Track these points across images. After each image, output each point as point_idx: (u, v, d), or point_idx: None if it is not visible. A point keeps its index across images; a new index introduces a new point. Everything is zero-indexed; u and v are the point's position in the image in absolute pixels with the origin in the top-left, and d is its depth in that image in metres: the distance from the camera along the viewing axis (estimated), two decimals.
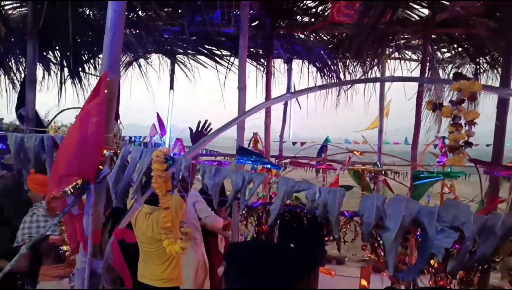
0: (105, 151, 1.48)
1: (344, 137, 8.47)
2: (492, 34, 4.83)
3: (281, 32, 5.82)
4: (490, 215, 1.27)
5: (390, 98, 7.93)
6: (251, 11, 5.29)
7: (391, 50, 6.84)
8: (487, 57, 5.68)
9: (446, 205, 1.30)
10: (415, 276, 1.34)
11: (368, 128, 7.42)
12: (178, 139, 7.85)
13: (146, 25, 5.34)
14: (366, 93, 7.24)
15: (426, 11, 5.28)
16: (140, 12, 5.40)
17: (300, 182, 1.39)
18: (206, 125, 2.87)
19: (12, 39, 5.09)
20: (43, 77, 7.02)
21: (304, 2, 4.93)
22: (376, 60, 6.91)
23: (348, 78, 6.84)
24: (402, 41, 6.36)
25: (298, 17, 5.31)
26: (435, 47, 6.49)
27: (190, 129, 2.94)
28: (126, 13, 4.89)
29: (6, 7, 4.94)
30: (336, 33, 5.95)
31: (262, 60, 6.74)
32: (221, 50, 6.71)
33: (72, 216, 1.53)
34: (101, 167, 1.48)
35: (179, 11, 5.23)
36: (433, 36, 5.94)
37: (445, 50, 6.59)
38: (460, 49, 5.90)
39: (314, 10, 5.06)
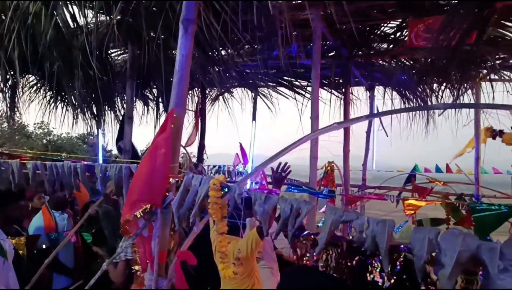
0: (170, 179, 1.65)
1: (436, 165, 7.84)
2: None
3: (360, 60, 5.78)
4: None
5: (488, 123, 7.18)
6: (327, 42, 5.37)
7: (486, 71, 6.32)
8: None
9: (510, 241, 1.18)
10: None
11: (460, 153, 6.64)
12: None
13: (228, 62, 5.75)
14: (459, 118, 6.70)
15: None
16: (222, 52, 5.86)
17: (348, 212, 1.38)
18: (286, 167, 3.08)
19: (118, 81, 5.87)
20: (143, 112, 7.88)
21: (381, 29, 4.85)
22: (469, 83, 6.41)
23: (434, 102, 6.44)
24: (498, 61, 5.84)
25: (375, 44, 5.23)
26: None
27: (272, 169, 3.15)
28: (210, 52, 5.34)
29: (113, 54, 5.74)
30: (421, 58, 5.70)
31: (342, 88, 6.72)
32: (300, 81, 6.86)
33: (143, 238, 1.72)
34: (167, 193, 1.65)
35: (257, 47, 5.53)
36: None
37: None
38: None
39: (392, 36, 4.95)
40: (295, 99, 7.32)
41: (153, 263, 1.64)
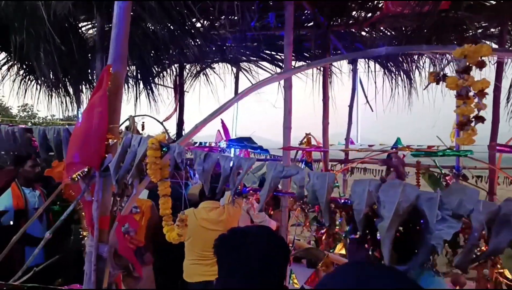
0: (109, 140, 1.56)
1: (422, 138, 7.85)
2: None
3: (341, 30, 5.65)
4: (505, 201, 1.06)
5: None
6: (306, 11, 5.22)
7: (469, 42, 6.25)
8: None
9: (450, 190, 1.12)
10: (416, 269, 1.17)
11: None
12: None
13: (205, 35, 5.59)
14: (443, 89, 6.66)
15: None
16: (198, 24, 5.68)
17: (289, 167, 1.31)
18: None
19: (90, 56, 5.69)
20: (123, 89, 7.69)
21: None
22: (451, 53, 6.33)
23: (417, 75, 6.39)
24: (479, 30, 5.74)
25: (354, 13, 5.09)
26: None
27: None
28: (185, 25, 5.15)
29: (83, 28, 5.53)
30: (400, 26, 5.58)
31: None
32: (281, 55, 6.72)
33: (87, 203, 1.64)
34: (106, 155, 1.56)
35: (235, 18, 5.36)
36: None
37: None
38: None
39: (370, 3, 4.81)
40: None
41: (93, 229, 1.56)
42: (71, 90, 6.46)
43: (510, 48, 5.49)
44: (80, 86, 6.60)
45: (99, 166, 1.56)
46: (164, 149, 1.44)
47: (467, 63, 1.15)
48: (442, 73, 1.21)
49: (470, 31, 5.76)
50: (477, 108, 1.15)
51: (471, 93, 1.15)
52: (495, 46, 6.26)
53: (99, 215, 1.58)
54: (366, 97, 7.21)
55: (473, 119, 1.15)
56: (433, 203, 1.12)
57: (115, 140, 1.57)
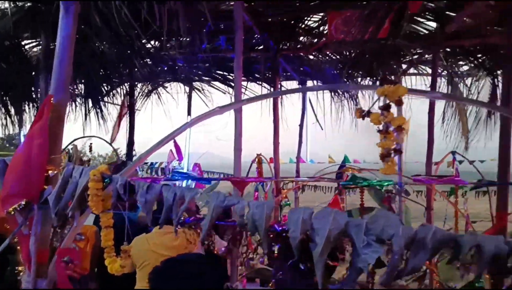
0: (49, 171, 1.53)
1: (366, 157, 8.29)
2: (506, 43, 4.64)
3: (290, 54, 5.88)
4: (420, 227, 1.19)
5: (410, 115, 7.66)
6: (255, 35, 5.39)
7: (406, 66, 6.73)
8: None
9: (375, 217, 1.23)
10: (348, 287, 1.26)
11: None
12: (196, 164, 7.97)
13: (155, 55, 5.59)
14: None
15: (435, 24, 5.17)
16: (149, 44, 5.67)
17: (230, 197, 1.37)
18: None
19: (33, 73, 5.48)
20: (70, 109, 7.41)
21: (306, 22, 4.96)
22: (390, 77, 6.79)
23: (361, 97, 6.77)
24: (415, 56, 6.22)
25: (302, 38, 5.34)
26: (451, 60, 6.29)
27: None
28: (134, 45, 5.10)
29: (27, 46, 5.33)
30: (346, 52, 5.91)
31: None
32: (232, 75, 6.84)
33: (24, 237, 1.59)
34: (45, 187, 1.53)
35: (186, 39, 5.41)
36: (447, 49, 5.78)
37: (462, 63, 6.36)
38: (476, 61, 5.68)
39: (316, 30, 5.08)
40: (229, 93, 7.32)
41: (30, 264, 1.51)
42: (12, 110, 6.15)
43: (425, 88, 6.01)
44: (23, 105, 6.29)
45: (38, 199, 1.52)
46: (106, 180, 1.44)
47: (387, 101, 1.29)
48: (367, 110, 1.34)
49: (407, 56, 6.25)
50: (395, 142, 1.29)
51: (391, 128, 1.28)
52: (429, 70, 6.81)
53: (37, 248, 1.53)
54: (316, 116, 7.51)
55: (392, 152, 1.29)
56: (359, 229, 1.22)
57: (55, 172, 1.54)
